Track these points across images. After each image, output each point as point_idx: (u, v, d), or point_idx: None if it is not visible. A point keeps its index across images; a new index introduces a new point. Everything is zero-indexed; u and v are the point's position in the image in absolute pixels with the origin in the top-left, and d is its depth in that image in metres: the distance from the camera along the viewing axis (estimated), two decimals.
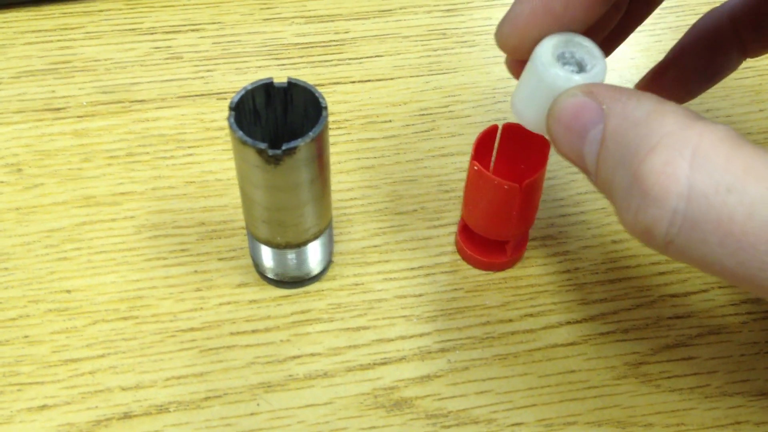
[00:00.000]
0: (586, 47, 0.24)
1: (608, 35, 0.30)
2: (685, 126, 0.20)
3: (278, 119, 0.27)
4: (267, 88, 0.26)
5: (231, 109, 0.25)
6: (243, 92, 0.26)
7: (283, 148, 0.24)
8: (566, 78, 0.23)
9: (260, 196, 0.26)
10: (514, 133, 0.29)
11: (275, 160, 0.25)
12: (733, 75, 0.32)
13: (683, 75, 0.31)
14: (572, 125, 0.23)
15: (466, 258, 0.31)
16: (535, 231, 0.32)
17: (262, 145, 0.24)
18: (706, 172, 0.19)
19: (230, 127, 0.25)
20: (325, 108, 0.25)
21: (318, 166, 0.26)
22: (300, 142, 0.24)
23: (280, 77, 0.36)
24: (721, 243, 0.19)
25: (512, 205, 0.28)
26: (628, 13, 0.29)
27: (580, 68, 0.24)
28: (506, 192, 0.27)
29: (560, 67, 0.23)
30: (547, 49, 0.24)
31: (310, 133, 0.25)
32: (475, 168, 0.27)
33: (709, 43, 0.31)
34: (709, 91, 0.32)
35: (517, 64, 0.26)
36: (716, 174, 0.19)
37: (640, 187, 0.20)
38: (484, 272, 0.31)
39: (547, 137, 0.24)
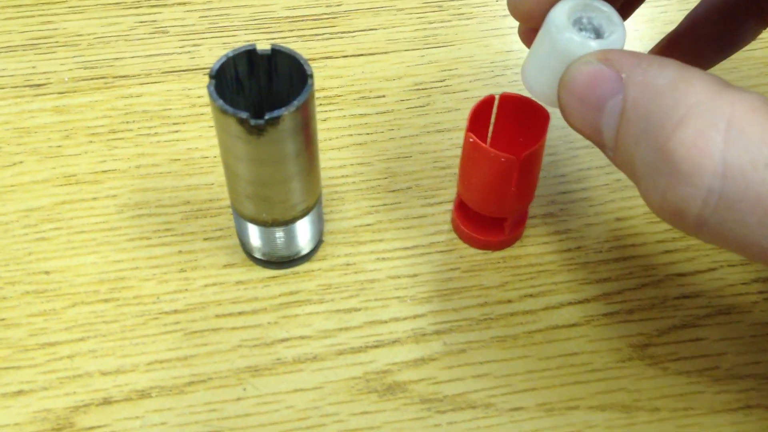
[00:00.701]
0: (605, 12, 0.22)
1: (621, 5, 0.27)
2: (715, 94, 0.18)
3: (262, 89, 0.26)
4: (250, 55, 0.25)
5: (211, 77, 0.24)
6: (224, 59, 0.24)
7: (266, 117, 0.23)
8: (581, 43, 0.21)
9: (244, 169, 0.25)
10: (511, 103, 0.28)
11: (258, 131, 0.23)
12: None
13: (697, 45, 0.29)
14: (587, 96, 0.21)
15: (462, 236, 0.30)
16: (535, 208, 0.31)
17: (244, 114, 0.23)
18: (742, 145, 0.17)
19: (210, 95, 0.23)
20: (311, 76, 0.24)
21: (304, 138, 0.25)
22: (284, 111, 0.23)
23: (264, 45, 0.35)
24: (760, 223, 0.17)
25: (510, 180, 0.26)
26: None
27: (597, 35, 0.22)
28: (503, 165, 0.26)
29: (576, 31, 0.22)
30: (561, 12, 0.22)
31: (295, 102, 0.23)
32: (471, 140, 0.26)
33: (726, 11, 0.29)
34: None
35: (531, 32, 0.24)
36: (753, 148, 0.17)
37: (669, 164, 0.18)
38: (481, 251, 0.29)
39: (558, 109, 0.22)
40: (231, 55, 0.24)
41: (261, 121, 0.23)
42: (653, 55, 0.20)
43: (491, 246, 0.29)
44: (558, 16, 0.22)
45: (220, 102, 0.23)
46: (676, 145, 0.18)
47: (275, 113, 0.23)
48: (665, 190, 0.18)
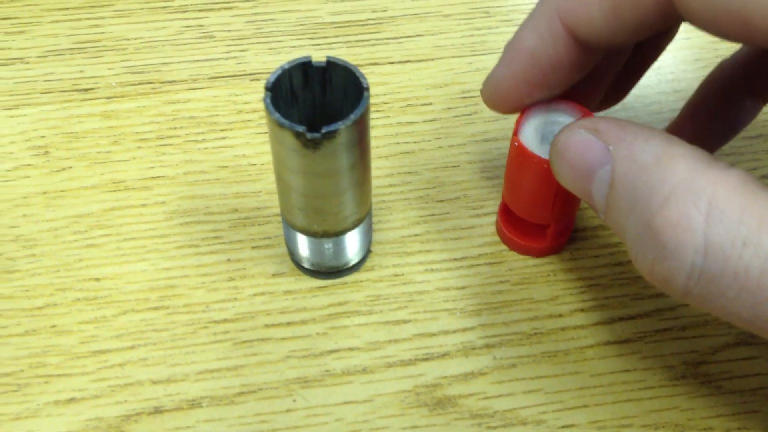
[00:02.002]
0: (561, 121, 0.26)
1: (617, 80, 0.29)
2: (697, 173, 0.20)
3: (316, 101, 0.26)
4: (305, 67, 0.25)
5: (267, 89, 0.24)
6: (280, 72, 0.24)
7: (323, 131, 0.23)
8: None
9: (297, 182, 0.25)
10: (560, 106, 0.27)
11: (314, 144, 0.23)
12: None
13: (700, 131, 0.30)
14: (577, 164, 0.23)
15: (505, 240, 0.29)
16: (585, 220, 0.30)
17: (300, 128, 0.23)
18: (722, 225, 0.19)
19: (266, 108, 0.23)
20: (367, 89, 0.24)
21: (359, 151, 0.24)
22: (340, 125, 0.23)
23: (318, 56, 0.35)
24: (737, 297, 0.19)
25: (554, 186, 0.26)
26: (633, 58, 0.29)
27: None
28: (548, 171, 0.25)
29: (541, 146, 0.25)
30: (529, 134, 0.26)
31: (351, 116, 0.23)
32: (516, 144, 0.26)
33: (723, 96, 0.29)
34: None
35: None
36: (732, 227, 0.19)
37: (656, 239, 0.20)
38: (531, 264, 0.29)
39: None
40: (287, 67, 0.24)
41: (318, 135, 0.23)
42: (640, 127, 0.22)
43: (533, 252, 0.29)
44: (528, 139, 0.26)
45: (277, 115, 0.23)
46: (662, 223, 0.19)
47: (332, 127, 0.23)
48: (653, 262, 0.20)
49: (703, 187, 0.19)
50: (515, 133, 0.26)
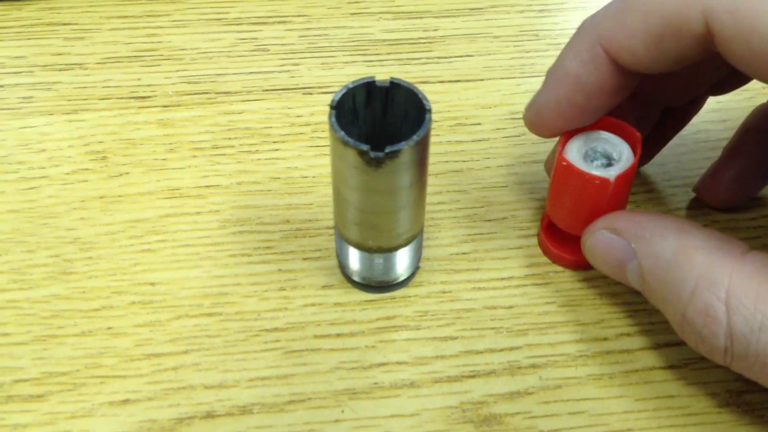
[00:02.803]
0: (604, 138, 0.27)
1: (647, 140, 0.31)
2: (714, 265, 0.22)
3: (376, 119, 0.27)
4: (368, 87, 0.25)
5: (332, 107, 0.24)
6: (344, 90, 0.25)
7: (386, 150, 0.23)
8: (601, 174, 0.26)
9: (356, 198, 0.25)
10: (605, 126, 0.28)
11: (376, 163, 0.24)
12: None
13: (740, 174, 0.31)
14: (608, 261, 0.26)
15: (549, 255, 0.30)
16: None
17: (364, 147, 0.23)
18: (740, 313, 0.22)
19: (331, 126, 0.24)
20: (429, 111, 0.24)
21: (418, 171, 0.25)
22: (403, 146, 0.23)
23: (369, 73, 0.35)
24: (762, 371, 0.22)
25: (602, 201, 0.27)
26: (660, 125, 0.31)
27: (609, 160, 0.27)
28: (597, 187, 0.26)
29: (590, 165, 0.27)
30: (573, 153, 0.27)
31: (414, 137, 0.24)
32: (564, 164, 0.26)
33: (761, 142, 0.30)
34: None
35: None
36: (749, 315, 0.22)
37: (692, 327, 0.23)
38: (578, 287, 0.29)
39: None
40: (351, 86, 0.25)
41: (381, 154, 0.23)
42: (653, 220, 0.25)
43: (580, 265, 0.30)
44: (573, 158, 0.27)
45: (342, 133, 0.24)
46: (693, 315, 0.23)
47: (396, 147, 0.23)
48: (696, 343, 0.23)
49: (721, 280, 0.22)
50: (560, 152, 0.27)
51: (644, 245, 0.24)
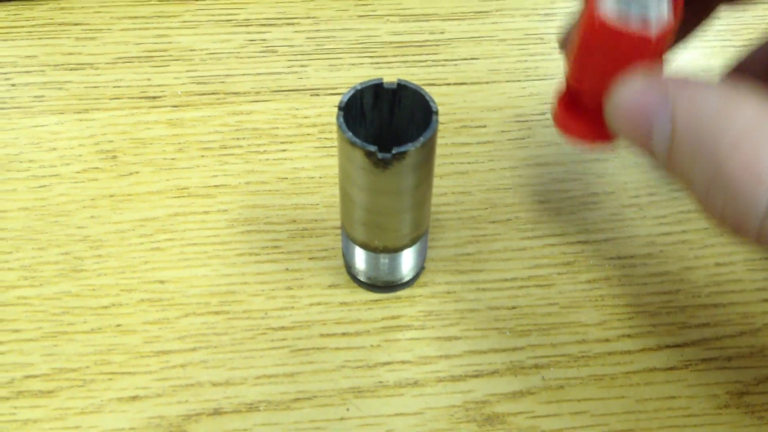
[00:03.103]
0: None
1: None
2: (765, 115, 0.19)
3: (383, 120, 0.27)
4: (376, 88, 0.26)
5: (340, 108, 0.25)
6: (352, 92, 0.25)
7: (393, 152, 0.24)
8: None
9: (362, 198, 0.26)
10: None
11: (384, 164, 0.24)
12: None
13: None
14: (636, 117, 0.22)
15: (568, 130, 0.26)
16: (634, 248, 0.31)
17: (372, 148, 0.24)
18: None
19: (339, 127, 0.24)
20: (436, 113, 0.25)
21: (424, 172, 0.25)
22: (410, 147, 0.24)
23: (376, 74, 0.36)
24: None
25: (642, 60, 0.23)
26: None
27: (644, 19, 0.22)
28: (635, 46, 0.22)
29: (623, 18, 0.22)
30: (607, 8, 0.22)
31: (421, 138, 0.24)
32: (597, 21, 0.22)
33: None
34: None
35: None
36: None
37: (727, 186, 0.19)
38: (580, 288, 0.30)
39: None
40: (359, 88, 0.25)
41: (388, 155, 0.24)
42: (697, 76, 0.21)
43: (601, 139, 0.26)
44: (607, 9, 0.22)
45: (350, 134, 0.24)
46: (733, 167, 0.19)
47: (402, 148, 0.24)
48: (724, 208, 0.20)
49: None
50: (593, 7, 0.23)
51: (685, 92, 0.21)
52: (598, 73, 0.24)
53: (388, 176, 0.25)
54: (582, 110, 0.26)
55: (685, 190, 0.21)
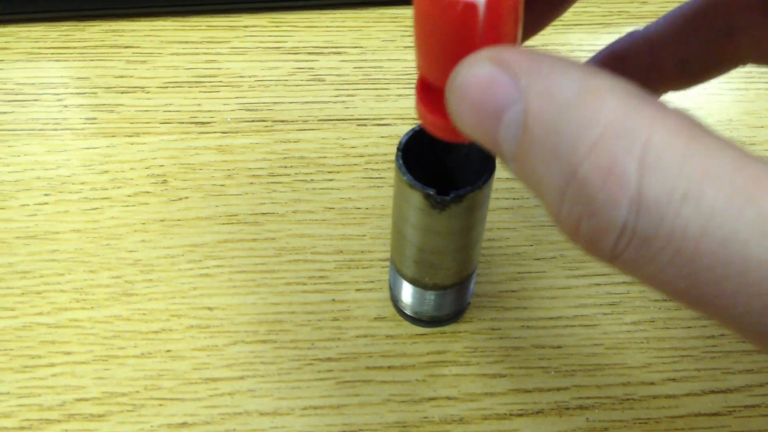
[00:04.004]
0: None
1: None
2: (631, 111, 0.16)
3: (438, 159, 0.27)
4: None
5: (399, 149, 0.25)
6: (411, 133, 0.26)
7: (452, 195, 0.24)
8: None
9: (416, 237, 0.26)
10: None
11: (441, 206, 0.24)
12: None
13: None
14: (481, 105, 0.18)
15: (427, 124, 0.22)
16: None
17: (431, 191, 0.24)
18: (658, 174, 0.15)
19: (399, 168, 0.25)
20: (495, 158, 0.25)
21: (480, 214, 0.26)
22: (469, 190, 0.24)
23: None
24: (671, 261, 0.16)
25: (473, 38, 0.19)
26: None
27: None
28: (460, 16, 0.18)
29: None
30: None
31: (479, 182, 0.24)
32: None
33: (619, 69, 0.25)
34: None
35: None
36: (670, 177, 0.15)
37: (583, 192, 0.16)
38: (625, 330, 0.30)
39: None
40: (418, 129, 0.26)
41: (447, 198, 0.24)
42: (555, 56, 0.17)
43: (453, 133, 0.21)
44: None
45: (409, 176, 0.24)
46: (590, 173, 0.16)
47: (461, 192, 0.24)
48: (579, 219, 0.16)
49: (638, 129, 0.16)
50: None
51: (538, 81, 0.17)
52: (436, 54, 0.20)
53: (444, 218, 0.25)
54: (436, 100, 0.21)
55: (536, 197, 0.18)
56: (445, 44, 0.19)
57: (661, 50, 0.25)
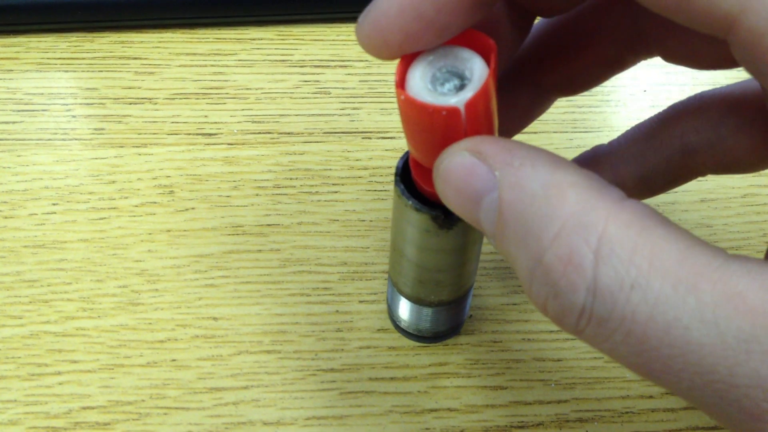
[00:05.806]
0: (452, 53, 0.21)
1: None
2: (588, 205, 0.18)
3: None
4: None
5: (397, 175, 0.25)
6: (406, 157, 0.26)
7: None
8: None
9: (418, 256, 0.26)
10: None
11: (448, 226, 0.25)
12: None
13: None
14: (463, 190, 0.21)
15: (423, 190, 0.25)
16: None
17: (435, 212, 0.24)
18: (611, 264, 0.18)
19: (401, 194, 0.25)
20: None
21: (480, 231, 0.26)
22: None
23: None
24: (624, 341, 0.18)
25: (458, 134, 0.21)
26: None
27: (461, 80, 0.21)
28: (445, 120, 0.20)
29: (441, 91, 0.20)
30: (416, 80, 0.20)
31: None
32: (402, 98, 0.20)
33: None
34: None
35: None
36: (621, 268, 0.17)
37: (548, 277, 0.18)
38: None
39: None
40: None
41: (454, 217, 0.24)
42: (529, 149, 0.20)
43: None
44: (415, 86, 0.20)
45: (413, 201, 0.24)
46: (552, 260, 0.18)
47: None
48: (546, 298, 0.19)
49: (594, 222, 0.18)
50: (398, 82, 0.21)
51: (510, 173, 0.19)
52: (423, 146, 0.22)
53: (451, 236, 0.25)
54: (428, 175, 0.23)
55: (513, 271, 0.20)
56: (432, 139, 0.21)
57: (622, 167, 0.27)
